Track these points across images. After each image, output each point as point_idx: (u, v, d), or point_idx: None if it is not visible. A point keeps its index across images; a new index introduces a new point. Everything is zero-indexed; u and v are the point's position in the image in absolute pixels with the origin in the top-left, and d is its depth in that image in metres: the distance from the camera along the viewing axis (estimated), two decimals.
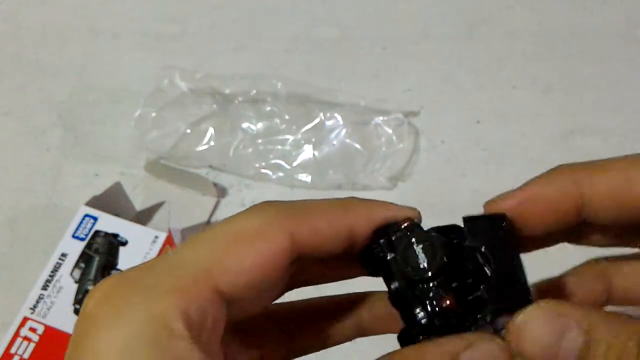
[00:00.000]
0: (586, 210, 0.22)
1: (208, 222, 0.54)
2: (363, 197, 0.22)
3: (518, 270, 0.22)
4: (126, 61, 0.65)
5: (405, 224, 0.22)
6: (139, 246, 0.46)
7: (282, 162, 0.56)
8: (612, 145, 0.58)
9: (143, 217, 0.52)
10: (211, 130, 0.57)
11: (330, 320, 0.25)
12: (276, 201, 0.20)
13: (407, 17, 0.67)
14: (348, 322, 0.25)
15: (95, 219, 0.47)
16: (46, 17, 0.68)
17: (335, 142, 0.57)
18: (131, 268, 0.19)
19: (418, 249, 0.22)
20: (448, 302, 0.20)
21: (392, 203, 0.22)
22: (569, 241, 0.24)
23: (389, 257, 0.22)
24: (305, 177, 0.55)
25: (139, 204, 0.54)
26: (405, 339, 0.22)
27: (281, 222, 0.19)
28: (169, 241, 0.46)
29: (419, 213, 0.23)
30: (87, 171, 0.57)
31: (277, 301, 0.23)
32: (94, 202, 0.48)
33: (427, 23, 0.66)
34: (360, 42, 0.65)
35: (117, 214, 0.47)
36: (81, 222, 0.46)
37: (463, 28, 0.66)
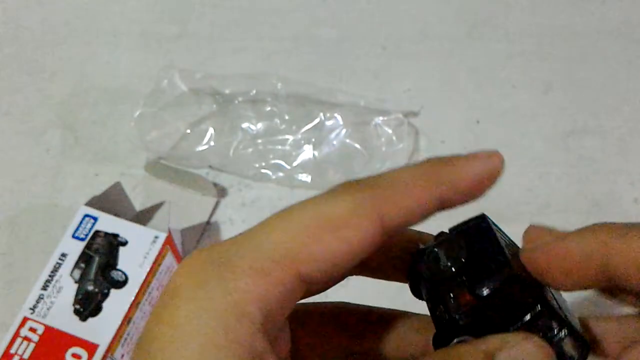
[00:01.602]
0: (612, 275, 0.20)
1: (208, 222, 0.54)
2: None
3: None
4: (126, 61, 0.65)
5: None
6: (139, 246, 0.46)
7: (282, 162, 0.56)
8: (612, 145, 0.58)
9: (143, 217, 0.52)
10: (211, 130, 0.57)
11: (389, 330, 0.24)
12: (360, 181, 0.19)
13: (407, 17, 0.67)
14: (403, 336, 0.24)
15: (95, 219, 0.47)
16: (46, 17, 0.69)
17: (335, 142, 0.57)
18: (219, 243, 0.19)
19: (440, 252, 0.22)
20: (466, 297, 0.20)
21: (471, 157, 0.21)
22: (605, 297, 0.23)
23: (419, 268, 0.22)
24: (305, 177, 0.55)
25: (139, 204, 0.54)
26: (438, 343, 0.21)
27: (369, 206, 0.18)
28: (168, 241, 0.46)
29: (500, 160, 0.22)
30: (87, 171, 0.57)
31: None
32: (94, 202, 0.48)
33: (427, 23, 0.66)
34: (360, 42, 0.65)
35: (117, 214, 0.47)
36: (81, 222, 0.46)
37: (463, 28, 0.66)
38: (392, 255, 0.23)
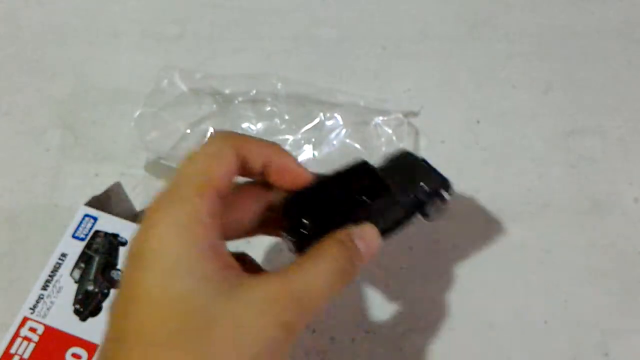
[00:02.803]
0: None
1: None
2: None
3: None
4: (126, 61, 0.65)
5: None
6: None
7: None
8: (612, 145, 0.58)
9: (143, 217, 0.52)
10: (211, 130, 0.57)
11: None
12: (226, 131, 0.33)
13: (407, 17, 0.67)
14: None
15: (95, 219, 0.47)
16: (46, 17, 0.69)
17: (335, 142, 0.57)
18: (164, 188, 0.30)
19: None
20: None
21: (298, 161, 0.33)
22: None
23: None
24: None
25: (139, 204, 0.54)
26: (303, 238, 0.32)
27: (229, 144, 0.31)
28: None
29: (312, 176, 0.33)
30: (87, 171, 0.57)
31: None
32: (94, 202, 0.48)
33: (427, 23, 0.66)
34: (360, 42, 0.65)
35: (117, 214, 0.47)
36: (81, 222, 0.46)
37: (463, 28, 0.66)
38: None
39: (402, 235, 0.53)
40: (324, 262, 0.30)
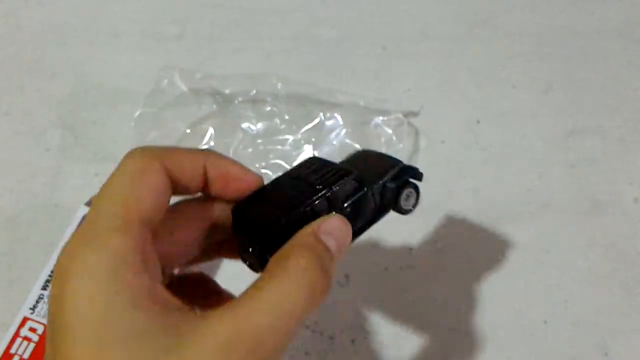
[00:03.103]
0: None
1: None
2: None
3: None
4: (126, 61, 0.65)
5: None
6: None
7: (282, 162, 0.56)
8: (612, 145, 0.58)
9: None
10: (211, 130, 0.57)
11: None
12: (147, 146, 0.27)
13: (407, 17, 0.67)
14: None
15: None
16: (46, 17, 0.69)
17: (335, 142, 0.57)
18: (76, 232, 0.25)
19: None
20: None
21: (240, 164, 0.29)
22: None
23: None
24: None
25: None
26: (268, 242, 0.27)
27: (154, 157, 0.26)
28: None
29: (260, 179, 0.29)
30: (87, 171, 0.57)
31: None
32: None
33: (427, 23, 0.66)
34: (360, 42, 0.65)
35: None
36: (81, 222, 0.46)
37: (463, 28, 0.66)
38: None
39: (402, 235, 0.53)
40: (290, 279, 0.24)
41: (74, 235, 0.24)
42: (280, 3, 0.68)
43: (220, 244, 0.30)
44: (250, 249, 0.27)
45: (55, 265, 0.24)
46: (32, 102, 0.62)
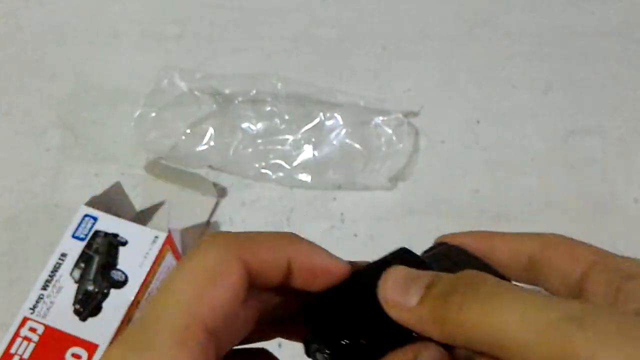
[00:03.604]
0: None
1: (208, 222, 0.54)
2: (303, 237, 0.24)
3: None
4: (126, 61, 0.65)
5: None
6: (138, 246, 0.46)
7: (282, 162, 0.56)
8: (612, 145, 0.58)
9: (143, 217, 0.52)
10: (211, 130, 0.57)
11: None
12: (225, 233, 0.22)
13: (407, 17, 0.67)
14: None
15: (95, 219, 0.47)
16: (46, 17, 0.68)
17: (335, 142, 0.57)
18: (128, 330, 0.21)
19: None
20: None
21: (326, 251, 0.24)
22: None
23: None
24: (305, 177, 0.55)
25: (139, 204, 0.53)
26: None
27: (233, 254, 0.21)
28: (168, 241, 0.46)
29: (348, 268, 0.24)
30: (87, 171, 0.57)
31: None
32: (94, 202, 0.48)
33: (427, 23, 0.66)
34: (360, 42, 0.65)
35: (117, 214, 0.47)
36: (81, 222, 0.46)
37: (463, 28, 0.66)
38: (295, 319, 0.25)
39: (402, 235, 0.53)
40: None
41: (127, 333, 0.21)
42: (280, 3, 0.68)
43: (279, 322, 0.26)
44: (330, 349, 0.23)
45: None
46: (32, 102, 0.62)
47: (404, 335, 0.22)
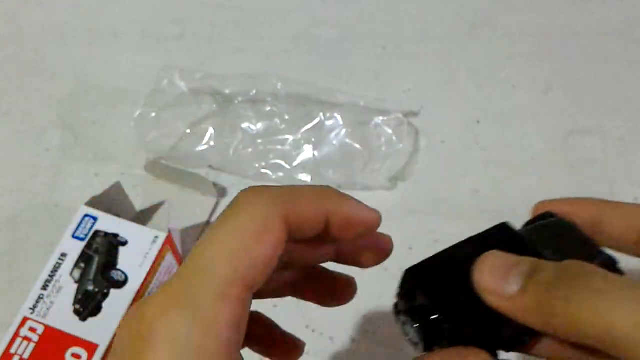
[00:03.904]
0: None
1: (208, 222, 0.54)
2: (353, 194, 0.25)
3: None
4: (126, 61, 0.65)
5: None
6: (139, 246, 0.46)
7: (282, 162, 0.56)
8: (612, 145, 0.58)
9: (143, 217, 0.52)
10: (211, 130, 0.57)
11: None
12: (266, 188, 0.23)
13: (407, 17, 0.67)
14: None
15: (95, 219, 0.47)
16: (46, 17, 0.68)
17: (335, 142, 0.57)
18: (170, 281, 0.21)
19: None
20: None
21: (360, 202, 0.25)
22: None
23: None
24: (305, 177, 0.55)
25: (139, 204, 0.54)
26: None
27: (276, 211, 0.22)
28: (168, 241, 0.46)
29: (379, 218, 0.25)
30: (87, 171, 0.57)
31: None
32: (94, 202, 0.48)
33: (427, 23, 0.66)
34: (360, 42, 0.65)
35: (117, 214, 0.47)
36: (81, 222, 0.46)
37: (463, 28, 0.66)
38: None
39: (402, 235, 0.53)
40: None
41: (169, 285, 0.21)
42: (280, 3, 0.68)
43: (295, 282, 0.26)
44: (422, 324, 0.23)
45: (138, 312, 0.20)
46: (32, 102, 0.62)
47: (494, 319, 0.21)
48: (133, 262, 0.45)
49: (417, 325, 0.23)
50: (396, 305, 0.24)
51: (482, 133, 0.59)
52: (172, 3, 0.69)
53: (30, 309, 0.43)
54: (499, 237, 0.24)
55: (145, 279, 0.45)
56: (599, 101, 0.60)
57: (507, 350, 0.23)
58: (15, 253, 0.53)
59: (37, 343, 0.42)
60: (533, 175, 0.56)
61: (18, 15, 0.69)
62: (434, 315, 0.22)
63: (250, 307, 0.21)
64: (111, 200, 0.49)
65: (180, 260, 0.49)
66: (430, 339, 0.22)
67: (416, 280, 0.24)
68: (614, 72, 0.62)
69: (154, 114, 0.59)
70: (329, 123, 0.57)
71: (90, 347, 0.42)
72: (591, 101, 0.60)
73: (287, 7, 0.68)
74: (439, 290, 0.23)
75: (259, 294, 0.23)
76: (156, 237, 0.46)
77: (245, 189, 0.23)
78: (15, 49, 0.66)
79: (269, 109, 0.58)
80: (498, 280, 0.21)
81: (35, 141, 0.60)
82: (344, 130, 0.57)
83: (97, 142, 0.59)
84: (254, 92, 0.59)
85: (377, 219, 0.25)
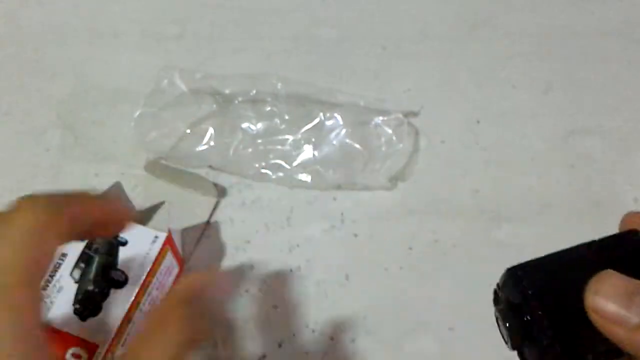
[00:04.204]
0: None
1: (208, 222, 0.54)
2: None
3: None
4: (126, 61, 0.65)
5: None
6: (138, 246, 0.46)
7: (282, 162, 0.56)
8: (612, 145, 0.58)
9: (143, 217, 0.52)
10: (211, 130, 0.57)
11: None
12: (41, 196, 0.28)
13: (407, 17, 0.67)
14: None
15: None
16: (46, 17, 0.69)
17: (335, 142, 0.57)
18: None
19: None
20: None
21: (115, 201, 0.30)
22: None
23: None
24: (305, 177, 0.55)
25: (139, 204, 0.54)
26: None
27: (51, 221, 0.27)
28: (168, 241, 0.46)
29: (132, 214, 0.29)
30: (87, 171, 0.57)
31: None
32: None
33: (427, 23, 0.66)
34: (360, 42, 0.65)
35: None
36: None
37: (463, 28, 0.66)
38: None
39: (402, 235, 0.53)
40: None
41: None
42: (280, 3, 0.68)
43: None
44: (517, 335, 0.22)
45: None
46: (32, 102, 0.62)
47: (591, 340, 0.20)
48: (133, 262, 0.45)
49: (509, 324, 0.23)
50: (495, 294, 0.24)
51: (482, 133, 0.59)
52: (172, 3, 0.69)
53: None
54: (623, 251, 0.22)
55: (145, 279, 0.45)
56: (599, 101, 0.60)
57: None
58: None
59: None
60: (533, 175, 0.56)
61: (18, 15, 0.69)
62: (527, 316, 0.22)
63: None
64: None
65: (180, 260, 0.49)
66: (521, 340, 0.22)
67: (521, 282, 0.23)
68: (614, 72, 0.62)
69: (154, 114, 0.59)
70: (329, 123, 0.57)
71: (90, 347, 0.42)
72: (591, 101, 0.60)
73: (287, 7, 0.68)
74: (543, 298, 0.22)
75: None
76: (156, 237, 0.46)
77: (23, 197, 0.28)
78: (15, 49, 0.66)
79: (269, 109, 0.58)
80: (617, 307, 0.19)
81: (35, 141, 0.60)
82: (344, 130, 0.57)
83: (97, 142, 0.59)
84: (254, 92, 0.59)
85: (130, 216, 0.29)
